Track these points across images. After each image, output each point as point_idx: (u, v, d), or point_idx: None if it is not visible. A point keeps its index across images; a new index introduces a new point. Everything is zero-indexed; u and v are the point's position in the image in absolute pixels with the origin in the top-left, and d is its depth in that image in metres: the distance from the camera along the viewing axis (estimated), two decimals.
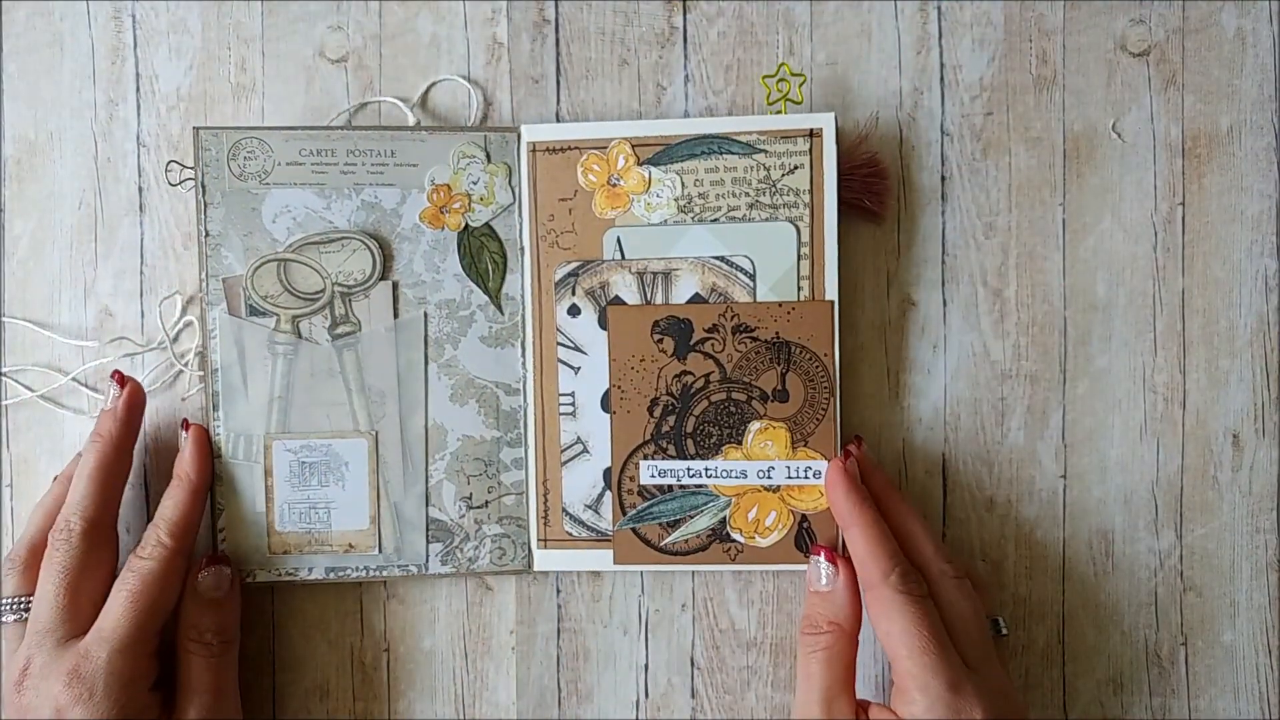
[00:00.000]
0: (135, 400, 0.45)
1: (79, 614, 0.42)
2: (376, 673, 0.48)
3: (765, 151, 0.45)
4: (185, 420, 0.46)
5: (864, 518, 0.43)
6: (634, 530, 0.46)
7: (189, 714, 0.42)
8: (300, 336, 0.46)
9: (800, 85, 0.47)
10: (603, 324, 0.46)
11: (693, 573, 0.48)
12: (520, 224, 0.47)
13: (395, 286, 0.46)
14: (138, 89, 0.48)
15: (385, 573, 0.46)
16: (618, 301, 0.46)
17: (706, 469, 0.45)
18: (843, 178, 0.45)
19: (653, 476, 0.46)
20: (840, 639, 0.42)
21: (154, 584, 0.42)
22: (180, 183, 0.47)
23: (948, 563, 0.42)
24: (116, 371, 0.45)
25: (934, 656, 0.39)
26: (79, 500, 0.43)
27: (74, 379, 0.48)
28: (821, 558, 0.44)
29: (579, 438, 0.46)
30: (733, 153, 0.45)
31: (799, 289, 0.45)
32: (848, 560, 0.43)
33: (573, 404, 0.46)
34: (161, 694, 0.43)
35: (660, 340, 0.46)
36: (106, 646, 0.41)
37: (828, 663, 0.42)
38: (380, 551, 0.46)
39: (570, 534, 0.46)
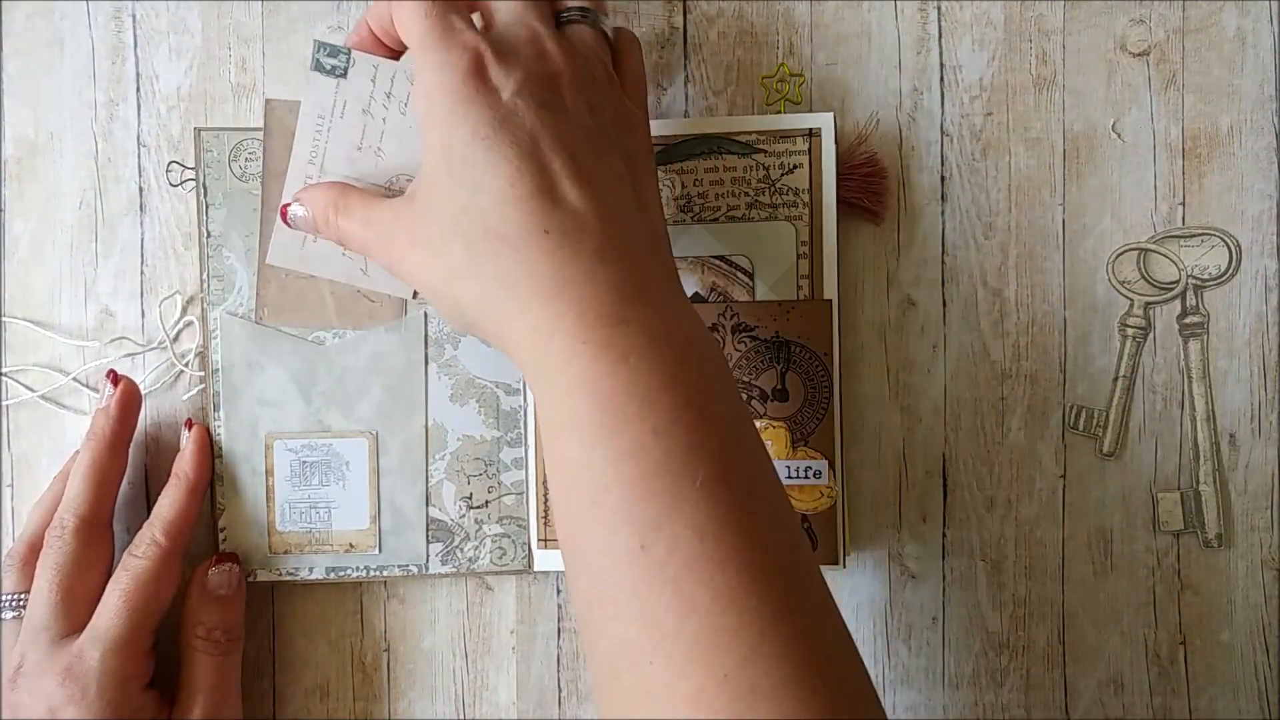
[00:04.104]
0: (129, 398, 0.45)
1: (73, 612, 0.42)
2: (376, 673, 0.48)
3: (764, 151, 0.45)
4: (189, 420, 0.46)
5: None
6: None
7: (193, 713, 0.42)
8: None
9: (799, 85, 0.47)
10: None
11: None
12: None
13: None
14: (138, 89, 0.48)
15: (385, 572, 0.47)
16: None
17: None
18: (842, 177, 0.46)
19: None
20: None
21: (148, 583, 0.42)
22: (181, 183, 0.47)
23: None
24: (111, 370, 0.46)
25: None
26: (73, 498, 0.43)
27: (74, 379, 0.48)
28: None
29: None
30: (732, 153, 0.45)
31: (798, 288, 0.45)
32: None
33: None
34: (156, 693, 0.43)
35: None
36: (100, 646, 0.41)
37: None
38: (380, 551, 0.46)
39: None
